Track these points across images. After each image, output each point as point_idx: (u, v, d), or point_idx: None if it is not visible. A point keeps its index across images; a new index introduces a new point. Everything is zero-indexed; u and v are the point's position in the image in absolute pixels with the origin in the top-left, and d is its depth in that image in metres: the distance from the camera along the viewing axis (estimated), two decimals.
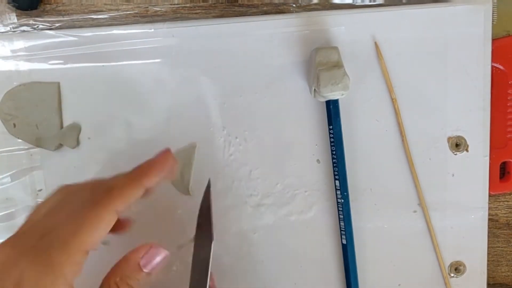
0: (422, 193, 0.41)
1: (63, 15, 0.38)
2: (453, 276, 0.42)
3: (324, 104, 0.38)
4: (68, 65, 0.38)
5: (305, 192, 0.40)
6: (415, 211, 0.41)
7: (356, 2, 0.39)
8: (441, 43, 0.39)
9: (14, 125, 0.38)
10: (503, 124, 0.41)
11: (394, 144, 0.40)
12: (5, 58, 0.38)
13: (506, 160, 0.41)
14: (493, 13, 0.39)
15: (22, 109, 0.38)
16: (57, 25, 0.38)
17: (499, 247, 0.44)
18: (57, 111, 0.38)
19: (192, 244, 0.33)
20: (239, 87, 0.39)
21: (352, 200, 0.39)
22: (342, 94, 0.36)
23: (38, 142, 0.39)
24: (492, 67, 0.40)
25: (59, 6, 0.38)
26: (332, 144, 0.38)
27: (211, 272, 0.31)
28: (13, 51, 0.38)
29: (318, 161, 0.40)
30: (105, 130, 0.39)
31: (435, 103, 0.40)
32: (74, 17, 0.38)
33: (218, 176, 0.40)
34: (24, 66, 0.38)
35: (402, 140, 0.40)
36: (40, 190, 0.39)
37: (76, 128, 0.39)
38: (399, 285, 0.42)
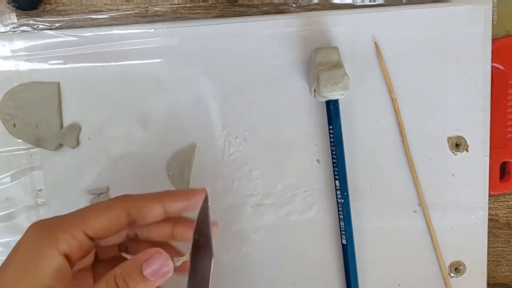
0: (422, 193, 0.41)
1: (63, 15, 0.38)
2: (453, 276, 0.42)
3: (324, 104, 0.38)
4: (68, 65, 0.38)
5: (305, 192, 0.40)
6: (415, 211, 0.41)
7: (356, 2, 0.39)
8: (441, 43, 0.39)
9: (14, 125, 0.38)
10: (503, 124, 0.41)
11: (394, 144, 0.40)
12: (5, 58, 0.38)
13: (506, 160, 0.41)
14: (493, 13, 0.39)
15: (22, 109, 0.38)
16: (57, 25, 0.38)
17: (499, 247, 0.44)
18: (57, 111, 0.38)
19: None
20: (239, 87, 0.39)
21: (352, 200, 0.39)
22: (342, 94, 0.36)
23: (38, 142, 0.39)
24: (492, 67, 0.40)
25: (59, 6, 0.38)
26: (332, 144, 0.38)
27: None
28: (13, 51, 0.38)
29: (318, 161, 0.40)
30: (105, 130, 0.39)
31: (435, 103, 0.40)
32: (74, 17, 0.38)
33: (218, 176, 0.40)
34: (24, 66, 0.38)
35: (402, 140, 0.40)
36: (40, 190, 0.39)
37: (76, 128, 0.39)
38: (399, 285, 0.42)
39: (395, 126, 0.40)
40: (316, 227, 0.41)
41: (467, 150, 0.40)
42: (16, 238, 0.28)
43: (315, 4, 0.39)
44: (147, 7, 0.38)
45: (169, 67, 0.38)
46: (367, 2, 0.39)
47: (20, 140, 0.39)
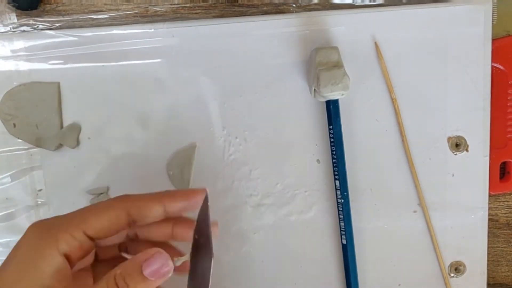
0: (422, 193, 0.41)
1: (63, 15, 0.38)
2: (453, 276, 0.42)
3: (324, 104, 0.38)
4: (68, 65, 0.38)
5: (305, 192, 0.40)
6: (415, 211, 0.41)
7: (356, 2, 0.39)
8: (441, 43, 0.39)
9: (14, 125, 0.38)
10: (503, 124, 0.41)
11: (394, 144, 0.40)
12: (5, 58, 0.38)
13: (506, 160, 0.41)
14: (493, 13, 0.39)
15: (22, 109, 0.38)
16: (57, 25, 0.38)
17: (499, 247, 0.44)
18: (57, 111, 0.38)
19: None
20: (239, 87, 0.39)
21: (352, 200, 0.39)
22: (342, 94, 0.36)
23: (38, 142, 0.39)
24: (492, 67, 0.40)
25: (59, 6, 0.38)
26: (332, 144, 0.38)
27: None
28: (13, 51, 0.38)
29: (318, 161, 0.40)
30: (105, 130, 0.39)
31: (435, 103, 0.40)
32: (74, 17, 0.38)
33: (218, 176, 0.40)
34: (24, 66, 0.38)
35: (402, 140, 0.40)
36: (40, 190, 0.39)
37: (76, 128, 0.39)
38: (399, 285, 0.42)
39: (395, 126, 0.40)
40: (316, 227, 0.41)
41: (467, 150, 0.40)
42: (16, 238, 0.28)
43: (315, 4, 0.39)
44: (147, 7, 0.38)
45: (169, 67, 0.38)
46: (367, 2, 0.39)
47: (20, 140, 0.39)
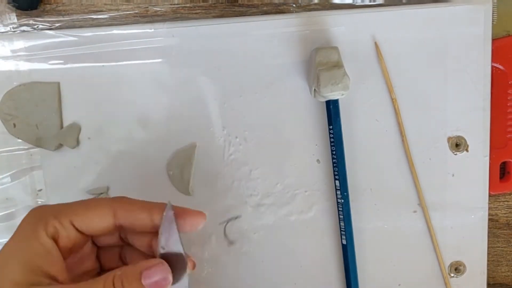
0: (422, 193, 0.41)
1: (63, 15, 0.38)
2: (453, 276, 0.42)
3: (324, 104, 0.38)
4: (68, 65, 0.38)
5: (305, 192, 0.40)
6: (415, 211, 0.41)
7: (356, 2, 0.39)
8: (441, 43, 0.39)
9: (14, 125, 0.38)
10: (503, 124, 0.41)
11: (394, 144, 0.40)
12: (5, 58, 0.38)
13: (506, 160, 0.42)
14: (493, 13, 0.39)
15: (22, 109, 0.38)
16: (57, 25, 0.38)
17: (499, 247, 0.44)
18: (57, 111, 0.38)
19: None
20: (239, 87, 0.39)
21: (352, 200, 0.39)
22: (342, 94, 0.36)
23: (38, 142, 0.39)
24: (492, 67, 0.40)
25: (59, 6, 0.38)
26: (332, 144, 0.38)
27: None
28: (13, 51, 0.38)
29: (318, 161, 0.40)
30: (105, 130, 0.39)
31: (435, 103, 0.40)
32: (74, 17, 0.38)
33: (218, 176, 0.40)
34: (24, 66, 0.38)
35: (402, 140, 0.40)
36: (40, 190, 0.39)
37: (76, 128, 0.39)
38: (399, 285, 0.42)
39: (395, 126, 0.40)
40: (316, 227, 0.41)
41: (467, 150, 0.40)
42: None
43: (315, 4, 0.39)
44: (147, 7, 0.38)
45: (169, 67, 0.38)
46: (367, 2, 0.39)
47: (20, 140, 0.39)
